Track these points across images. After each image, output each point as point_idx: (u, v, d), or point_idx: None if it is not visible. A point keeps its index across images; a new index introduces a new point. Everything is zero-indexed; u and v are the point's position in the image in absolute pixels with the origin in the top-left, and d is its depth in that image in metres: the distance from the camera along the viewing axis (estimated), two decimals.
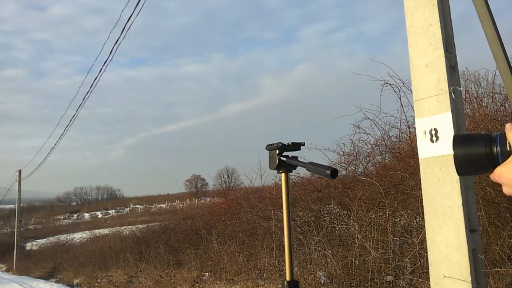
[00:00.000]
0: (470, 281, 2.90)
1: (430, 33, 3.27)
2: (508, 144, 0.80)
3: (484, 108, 6.29)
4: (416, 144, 3.52)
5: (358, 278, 5.73)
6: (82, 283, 15.80)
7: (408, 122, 6.60)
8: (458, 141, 0.84)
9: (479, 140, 0.84)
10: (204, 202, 22.48)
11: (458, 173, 0.86)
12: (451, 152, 0.83)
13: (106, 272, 15.33)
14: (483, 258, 3.11)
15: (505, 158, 0.80)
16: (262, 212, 9.77)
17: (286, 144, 1.73)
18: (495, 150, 0.81)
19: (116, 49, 9.88)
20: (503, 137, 0.80)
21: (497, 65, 3.00)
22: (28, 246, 34.71)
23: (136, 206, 67.09)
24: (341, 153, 7.84)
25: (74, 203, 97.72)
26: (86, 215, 68.67)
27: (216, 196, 21.69)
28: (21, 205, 34.40)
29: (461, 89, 3.27)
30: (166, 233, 14.75)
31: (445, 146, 3.06)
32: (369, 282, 5.43)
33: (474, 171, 0.87)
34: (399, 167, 6.11)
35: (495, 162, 0.81)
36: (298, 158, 1.72)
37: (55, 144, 22.30)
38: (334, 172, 1.53)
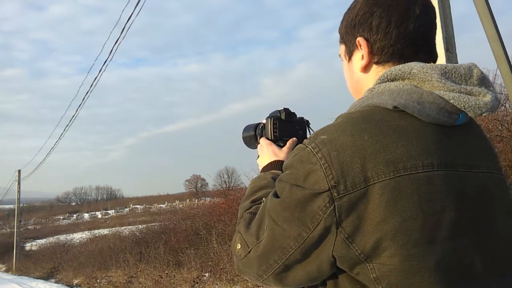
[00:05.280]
0: None
1: None
2: (262, 129, 1.26)
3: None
4: None
5: None
6: (82, 284, 15.78)
7: None
8: (244, 129, 1.33)
9: (251, 126, 1.31)
10: (204, 202, 22.45)
11: (248, 146, 1.33)
12: None
13: (105, 272, 15.31)
14: None
15: (258, 137, 1.26)
16: None
17: None
18: (256, 132, 1.28)
19: (116, 49, 9.87)
20: (263, 125, 1.26)
21: (497, 65, 3.00)
22: (28, 246, 34.62)
23: (136, 206, 67.06)
24: None
25: (73, 203, 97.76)
26: (86, 215, 68.64)
27: (216, 196, 21.66)
28: (21, 205, 34.38)
29: None
30: (166, 234, 14.72)
31: None
32: None
33: (252, 145, 1.32)
34: None
35: (257, 139, 1.27)
36: None
37: (54, 144, 22.28)
38: None
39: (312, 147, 0.80)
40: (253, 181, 1.10)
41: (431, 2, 0.93)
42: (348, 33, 0.95)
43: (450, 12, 3.31)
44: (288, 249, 0.81)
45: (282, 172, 1.07)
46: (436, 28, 0.94)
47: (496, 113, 6.10)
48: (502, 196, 0.87)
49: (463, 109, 0.80)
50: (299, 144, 0.85)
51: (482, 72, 0.84)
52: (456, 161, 0.80)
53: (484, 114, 0.81)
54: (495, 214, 0.84)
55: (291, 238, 0.80)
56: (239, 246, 0.91)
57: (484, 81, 0.84)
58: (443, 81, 0.80)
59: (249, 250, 0.88)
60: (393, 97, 0.80)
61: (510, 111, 6.04)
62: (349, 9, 0.96)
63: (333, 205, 0.75)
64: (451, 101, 0.79)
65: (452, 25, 3.30)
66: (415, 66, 0.82)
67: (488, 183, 0.85)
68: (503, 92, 5.88)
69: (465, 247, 0.77)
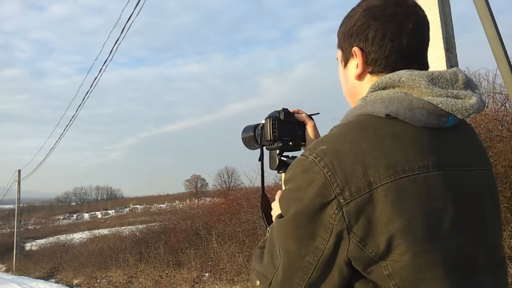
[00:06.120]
0: None
1: (430, 33, 3.25)
2: (261, 130, 1.24)
3: (485, 108, 6.28)
4: None
5: None
6: (82, 284, 15.78)
7: None
8: (243, 130, 1.33)
9: (251, 127, 1.31)
10: (204, 202, 22.44)
11: (248, 147, 1.33)
12: None
13: (105, 272, 15.31)
14: None
15: (259, 138, 1.26)
16: None
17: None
18: (256, 133, 1.28)
19: (116, 49, 9.88)
20: (262, 125, 1.24)
21: (497, 65, 3.00)
22: (28, 246, 34.60)
23: (136, 206, 67.04)
24: None
25: (73, 203, 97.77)
26: (86, 215, 68.64)
27: (216, 196, 21.64)
28: (21, 205, 34.38)
29: None
30: (166, 234, 14.71)
31: None
32: None
33: (251, 146, 1.31)
34: None
35: (257, 140, 1.28)
36: None
37: (54, 144, 22.31)
38: None
39: (313, 156, 0.82)
40: None
41: (426, 18, 0.97)
42: (345, 40, 0.99)
43: (450, 12, 3.31)
44: (308, 267, 0.81)
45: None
46: (428, 42, 0.98)
47: (496, 113, 6.09)
48: (491, 192, 0.92)
49: (451, 112, 0.84)
50: (299, 157, 0.87)
51: (466, 76, 0.89)
52: (449, 161, 0.85)
53: (471, 115, 0.85)
54: (487, 209, 0.89)
55: (309, 255, 0.81)
56: (258, 283, 0.90)
57: (469, 84, 0.89)
58: (431, 87, 0.84)
59: (270, 281, 0.87)
60: (385, 105, 0.84)
61: (510, 111, 6.04)
62: (347, 16, 0.99)
63: (342, 211, 0.78)
64: (439, 106, 0.83)
65: (452, 25, 3.30)
66: (403, 75, 0.87)
67: (479, 180, 0.90)
68: (503, 92, 5.88)
69: (466, 242, 0.82)
